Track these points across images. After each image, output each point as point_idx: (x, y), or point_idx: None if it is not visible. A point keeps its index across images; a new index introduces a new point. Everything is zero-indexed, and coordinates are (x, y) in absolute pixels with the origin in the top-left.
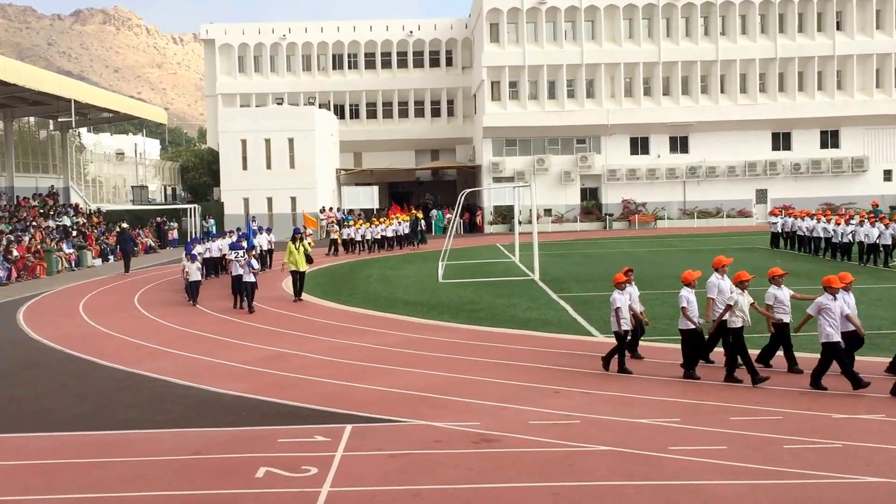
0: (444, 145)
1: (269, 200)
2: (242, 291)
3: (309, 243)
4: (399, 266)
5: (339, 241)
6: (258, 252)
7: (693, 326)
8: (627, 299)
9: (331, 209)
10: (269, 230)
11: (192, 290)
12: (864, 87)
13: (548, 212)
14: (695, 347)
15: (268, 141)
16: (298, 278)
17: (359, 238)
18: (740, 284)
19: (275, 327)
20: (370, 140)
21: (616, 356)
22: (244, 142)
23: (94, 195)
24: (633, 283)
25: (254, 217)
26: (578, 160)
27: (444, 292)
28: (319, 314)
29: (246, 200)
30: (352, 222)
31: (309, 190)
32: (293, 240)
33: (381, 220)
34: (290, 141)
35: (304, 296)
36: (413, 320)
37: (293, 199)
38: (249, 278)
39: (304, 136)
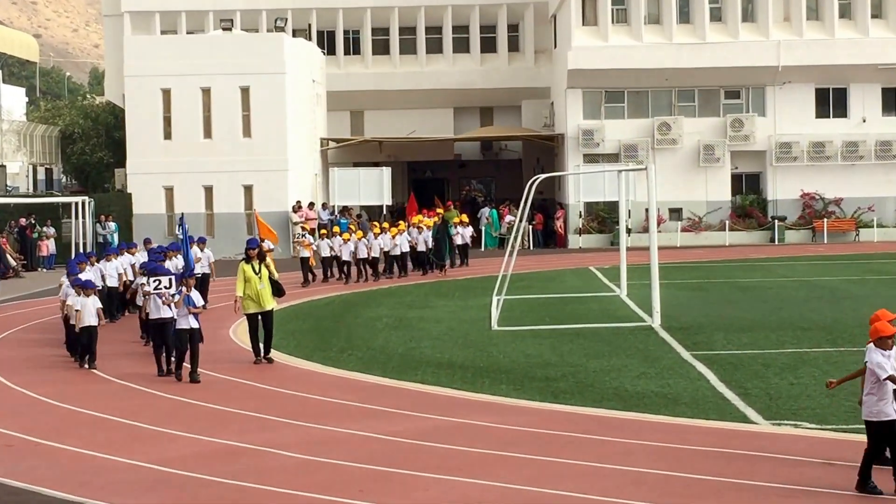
0: (502, 100)
1: (209, 191)
2: (174, 347)
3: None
4: (424, 303)
5: (314, 260)
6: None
7: None
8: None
9: (311, 206)
10: (202, 241)
11: (85, 341)
12: None
13: (676, 213)
14: None
15: (206, 91)
16: (261, 323)
17: (346, 256)
18: None
19: (221, 405)
20: (378, 91)
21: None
22: (167, 92)
23: None
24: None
25: (182, 218)
26: (728, 126)
27: (500, 347)
28: (295, 383)
29: (169, 191)
30: (337, 230)
31: (275, 174)
32: (247, 259)
33: (387, 225)
34: (245, 91)
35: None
36: (449, 394)
37: (248, 189)
38: (187, 323)
39: (267, 83)
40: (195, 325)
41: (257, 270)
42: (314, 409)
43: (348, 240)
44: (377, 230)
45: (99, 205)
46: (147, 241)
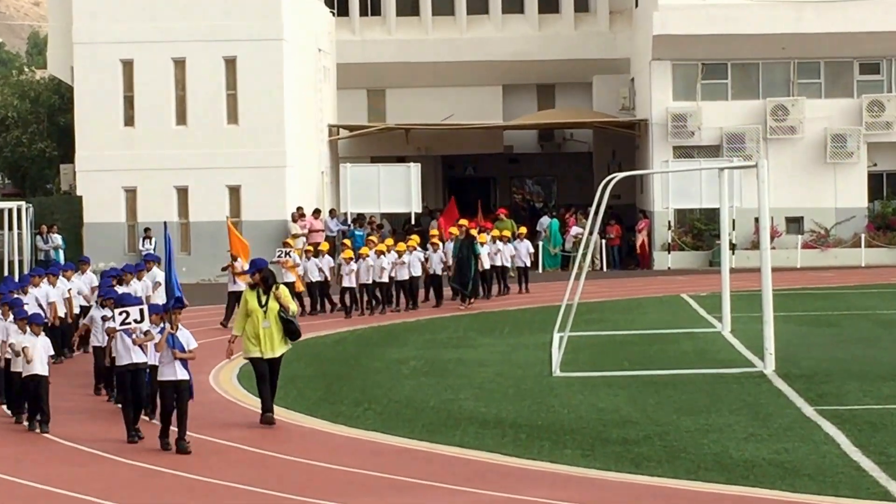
0: (566, 75)
1: (183, 194)
2: (162, 404)
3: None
4: (464, 340)
5: (300, 285)
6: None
7: None
8: None
9: (316, 214)
10: (155, 260)
11: (31, 395)
12: None
13: (795, 224)
14: None
15: (180, 64)
16: (266, 371)
17: (349, 282)
18: None
19: (198, 474)
20: (404, 63)
21: None
22: (129, 64)
23: None
24: None
25: (148, 231)
26: (865, 110)
27: (563, 399)
28: (295, 446)
29: (131, 194)
30: (326, 247)
31: (270, 172)
32: (252, 284)
33: (391, 241)
34: (230, 64)
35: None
36: (496, 461)
37: (234, 192)
38: (172, 373)
39: (259, 52)
40: (184, 375)
41: (263, 303)
42: (321, 480)
43: (350, 259)
44: (378, 245)
45: (40, 211)
46: (84, 262)
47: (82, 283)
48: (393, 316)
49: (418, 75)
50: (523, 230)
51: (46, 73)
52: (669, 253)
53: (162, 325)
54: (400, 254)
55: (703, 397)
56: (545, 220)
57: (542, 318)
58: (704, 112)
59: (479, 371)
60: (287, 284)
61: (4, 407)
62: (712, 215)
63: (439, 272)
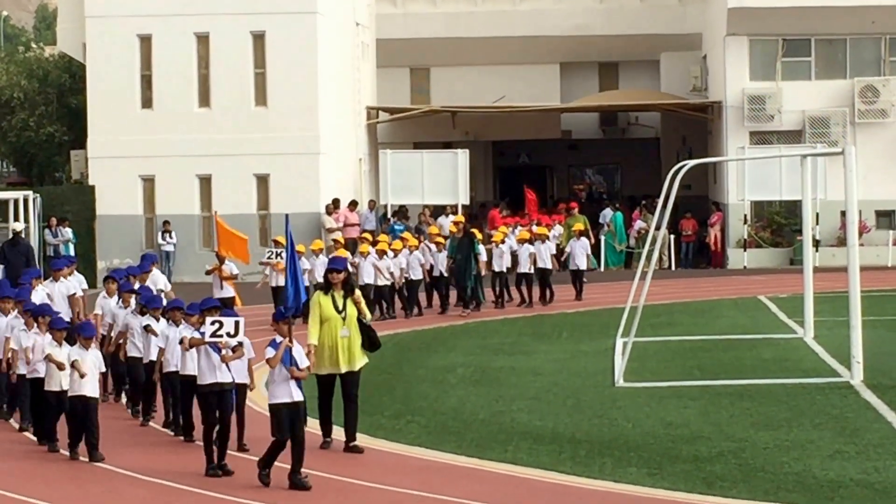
0: (631, 52)
1: (206, 183)
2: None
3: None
4: (516, 346)
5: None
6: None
7: None
8: None
9: (353, 206)
10: (150, 260)
11: (76, 419)
12: None
13: (886, 218)
14: None
15: (203, 39)
16: (332, 389)
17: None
18: None
19: (225, 493)
20: (451, 39)
21: None
22: (146, 40)
23: None
24: None
25: (167, 224)
26: None
27: (627, 412)
28: (331, 462)
29: (148, 183)
30: (319, 245)
31: (302, 159)
32: (326, 287)
33: (385, 239)
34: (258, 40)
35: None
36: (553, 479)
37: (263, 181)
38: (288, 394)
39: (291, 27)
40: (299, 396)
41: (341, 308)
42: (358, 499)
43: (366, 254)
44: (365, 245)
45: (48, 202)
46: (71, 262)
47: (69, 286)
48: (437, 319)
49: (467, 52)
50: (580, 226)
51: (56, 49)
52: (745, 250)
53: (275, 339)
54: (397, 252)
55: (783, 410)
56: (608, 213)
57: (604, 322)
58: (785, 93)
59: (534, 380)
60: (277, 289)
61: (30, 434)
62: (793, 208)
63: (445, 274)
